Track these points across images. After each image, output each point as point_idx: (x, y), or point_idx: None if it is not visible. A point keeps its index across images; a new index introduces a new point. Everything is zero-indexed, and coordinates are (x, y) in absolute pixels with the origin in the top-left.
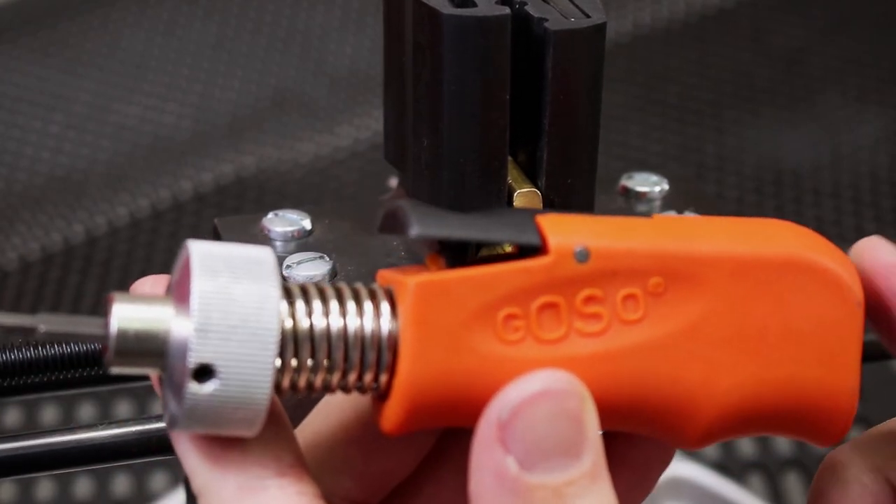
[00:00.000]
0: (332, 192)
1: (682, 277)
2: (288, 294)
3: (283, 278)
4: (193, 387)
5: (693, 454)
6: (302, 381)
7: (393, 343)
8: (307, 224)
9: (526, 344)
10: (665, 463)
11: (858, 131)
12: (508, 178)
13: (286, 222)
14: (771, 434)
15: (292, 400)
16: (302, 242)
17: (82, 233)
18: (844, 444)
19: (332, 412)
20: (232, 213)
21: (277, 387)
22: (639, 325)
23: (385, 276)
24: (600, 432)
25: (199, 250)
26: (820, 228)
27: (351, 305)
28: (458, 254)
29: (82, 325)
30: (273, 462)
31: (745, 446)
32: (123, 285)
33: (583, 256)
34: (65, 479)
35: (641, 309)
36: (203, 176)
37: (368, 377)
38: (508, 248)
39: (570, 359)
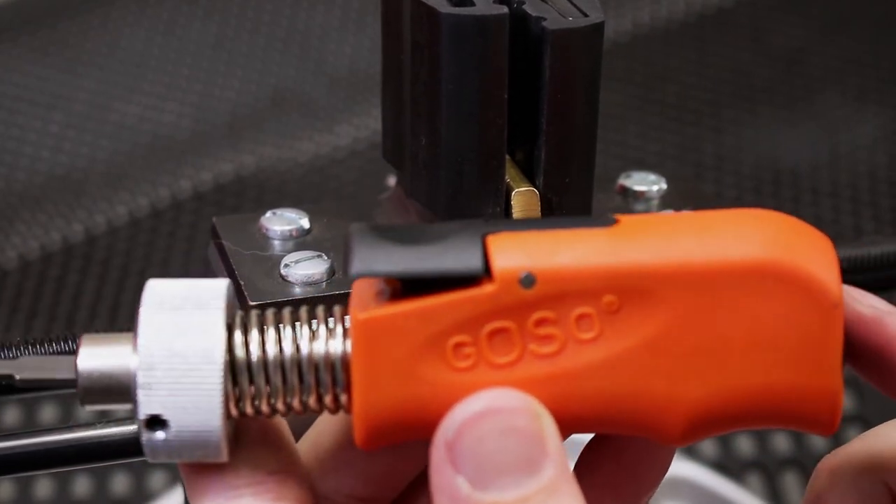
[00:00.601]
0: (332, 191)
1: (636, 294)
2: (241, 323)
3: (245, 307)
4: (147, 434)
5: (692, 454)
6: (263, 406)
7: (347, 365)
8: (305, 223)
9: (479, 369)
10: (665, 465)
11: (857, 131)
12: (506, 176)
13: (284, 221)
14: (767, 427)
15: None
16: (300, 241)
17: (82, 232)
18: (839, 448)
19: (333, 418)
20: (231, 212)
21: (240, 412)
22: (594, 344)
23: (357, 288)
24: (561, 446)
25: (151, 287)
26: (818, 228)
27: (304, 330)
28: (409, 282)
29: (57, 368)
30: (249, 472)
31: (744, 446)
32: (123, 284)
33: (528, 282)
34: (64, 478)
35: (596, 327)
36: (202, 175)
37: (328, 398)
38: None
39: (525, 380)
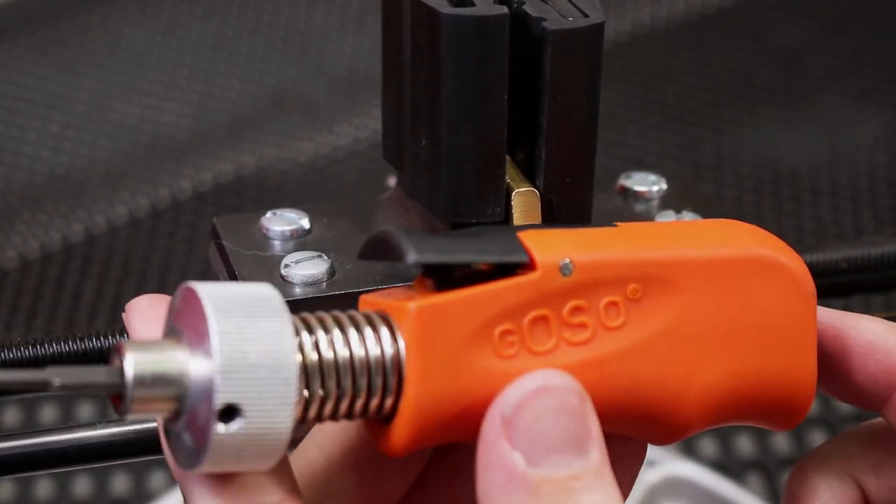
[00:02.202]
0: (332, 191)
1: (656, 282)
2: (295, 328)
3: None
4: (220, 427)
5: (692, 454)
6: (313, 412)
7: (396, 367)
8: (305, 223)
9: (521, 357)
10: (640, 461)
11: (857, 131)
12: (507, 177)
13: (284, 221)
14: (739, 423)
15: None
16: (300, 241)
17: (81, 232)
18: (813, 450)
19: (324, 441)
20: (231, 212)
21: (305, 416)
22: (621, 331)
23: (372, 301)
24: (601, 430)
25: (208, 292)
26: (819, 228)
27: (353, 333)
28: (444, 274)
29: (93, 374)
30: (275, 489)
31: (744, 446)
32: (123, 284)
33: (567, 270)
34: (63, 478)
35: (623, 315)
36: (202, 175)
37: (375, 402)
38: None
39: (562, 368)
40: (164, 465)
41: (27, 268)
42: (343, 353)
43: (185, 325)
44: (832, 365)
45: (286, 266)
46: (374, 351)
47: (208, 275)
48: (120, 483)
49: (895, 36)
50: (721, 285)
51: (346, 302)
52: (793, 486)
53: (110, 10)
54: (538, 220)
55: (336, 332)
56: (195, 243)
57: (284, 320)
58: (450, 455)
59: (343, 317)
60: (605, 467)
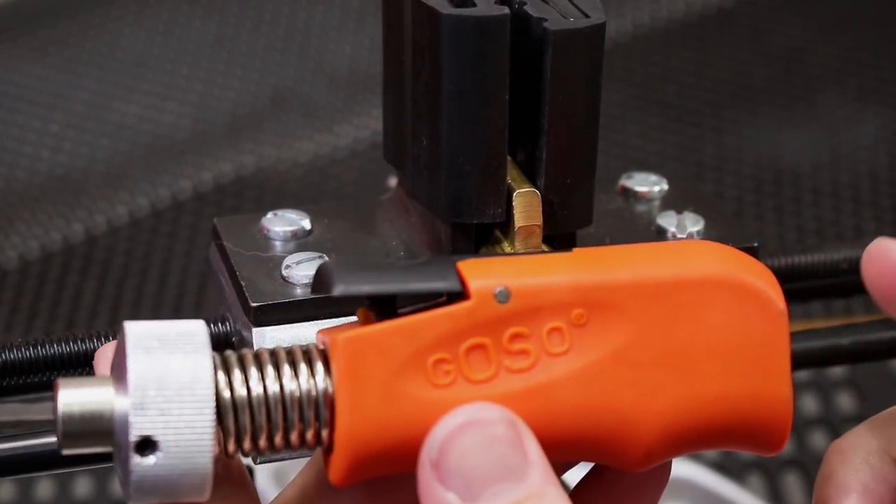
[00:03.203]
0: (332, 191)
1: (602, 306)
2: (224, 363)
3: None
4: (136, 459)
5: (692, 454)
6: (246, 444)
7: (329, 400)
8: (306, 224)
9: (458, 386)
10: (661, 485)
11: (857, 131)
12: (508, 177)
13: (285, 222)
14: (718, 448)
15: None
16: (301, 242)
17: (82, 232)
18: (851, 430)
19: (316, 467)
20: (231, 212)
21: (224, 450)
22: (565, 357)
23: (321, 335)
24: (542, 452)
25: (132, 330)
26: (819, 228)
27: (286, 368)
28: (386, 306)
29: (33, 412)
30: None
31: None
32: (123, 284)
33: (503, 297)
34: (64, 479)
35: (567, 341)
36: (202, 175)
37: (310, 434)
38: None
39: (502, 396)
40: None
41: (27, 268)
42: (269, 387)
43: (116, 363)
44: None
45: (287, 267)
46: (304, 385)
47: (208, 275)
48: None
49: (895, 36)
50: (673, 308)
51: (347, 302)
52: (830, 465)
53: (110, 10)
54: (539, 221)
55: (268, 367)
56: (195, 243)
57: (203, 355)
58: None
59: (280, 351)
60: (547, 487)
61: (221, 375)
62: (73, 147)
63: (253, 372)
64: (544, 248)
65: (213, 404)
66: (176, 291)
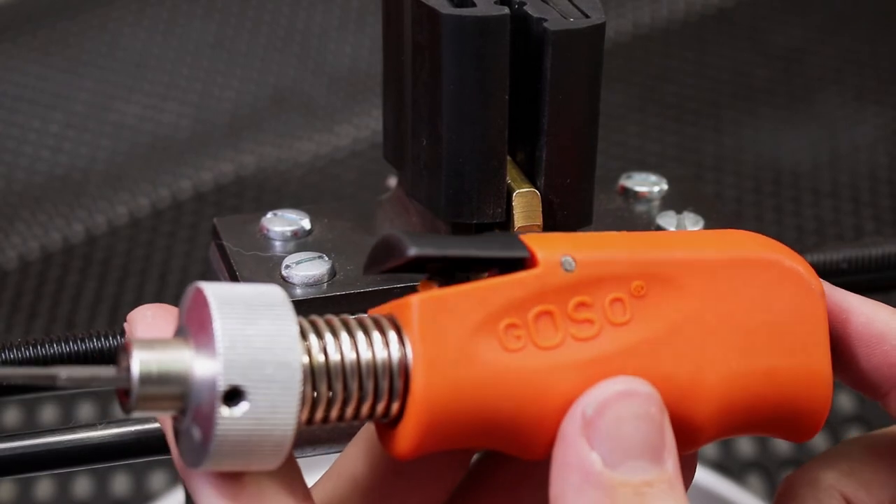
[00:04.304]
0: (332, 191)
1: (661, 280)
2: (301, 330)
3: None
4: (224, 411)
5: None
6: (319, 414)
7: (403, 370)
8: (306, 223)
9: (528, 351)
10: (688, 481)
11: (857, 131)
12: (507, 177)
13: (285, 222)
14: (758, 433)
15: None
16: (301, 242)
17: (82, 232)
18: (799, 468)
19: (344, 468)
20: (231, 211)
21: (311, 417)
22: (627, 327)
23: (380, 307)
24: (674, 441)
25: (214, 293)
26: (819, 228)
27: (360, 336)
28: (447, 278)
29: (99, 371)
30: (290, 494)
31: (745, 446)
32: (123, 284)
33: (569, 265)
34: (64, 479)
35: (628, 312)
36: (202, 175)
37: (381, 405)
38: (485, 275)
39: (571, 363)
40: (164, 466)
41: (27, 268)
42: (350, 355)
43: (192, 325)
44: (837, 347)
45: (287, 267)
46: (381, 354)
47: (208, 276)
48: (120, 483)
49: (895, 36)
50: (726, 285)
51: (348, 302)
52: (781, 500)
53: (110, 10)
54: (539, 221)
55: (343, 335)
56: (195, 243)
57: (290, 321)
58: (484, 481)
59: (351, 320)
60: (678, 479)
61: (312, 338)
62: (73, 147)
63: (330, 339)
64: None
65: (301, 363)
66: (176, 291)
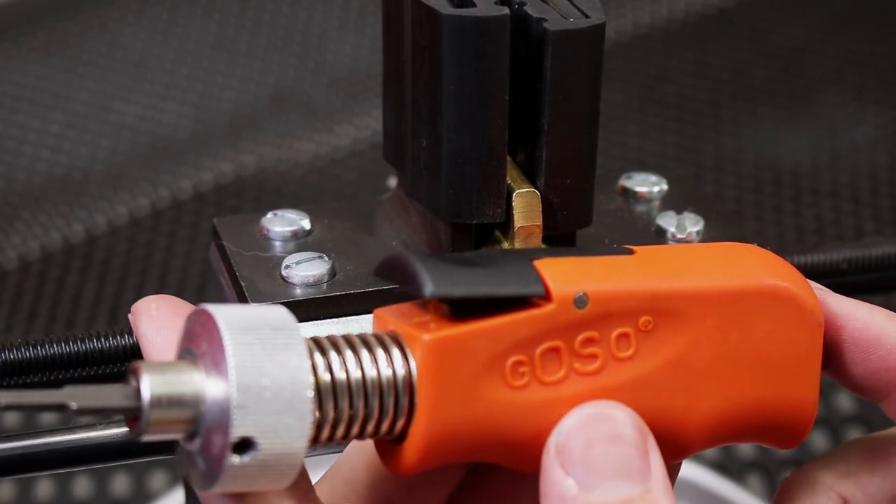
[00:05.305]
0: (332, 191)
1: (668, 314)
2: (319, 348)
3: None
4: (234, 459)
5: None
6: (325, 434)
7: (408, 389)
8: (306, 224)
9: (531, 387)
10: (675, 472)
11: (857, 131)
12: (507, 177)
13: (285, 222)
14: (737, 442)
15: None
16: (301, 242)
17: (82, 232)
18: (798, 469)
19: (343, 469)
20: (231, 211)
21: (318, 437)
22: (631, 362)
23: (384, 318)
24: (664, 467)
25: (225, 319)
26: (819, 228)
27: (365, 355)
28: (460, 301)
29: (110, 396)
30: (292, 495)
31: (744, 447)
32: (123, 284)
33: (582, 303)
34: (64, 479)
35: (633, 346)
36: (202, 175)
37: (386, 423)
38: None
39: (569, 396)
40: (164, 466)
41: (27, 268)
42: (355, 374)
43: (201, 349)
44: (833, 352)
45: (287, 267)
46: (386, 373)
47: (209, 275)
48: (120, 483)
49: (895, 36)
50: (729, 317)
51: (348, 302)
52: (780, 502)
53: (110, 10)
54: (539, 221)
55: (348, 354)
56: (195, 243)
57: (300, 349)
58: (483, 481)
59: (355, 339)
60: (665, 496)
61: (318, 358)
62: (73, 147)
63: (336, 358)
64: (544, 248)
65: (313, 399)
66: (176, 291)
